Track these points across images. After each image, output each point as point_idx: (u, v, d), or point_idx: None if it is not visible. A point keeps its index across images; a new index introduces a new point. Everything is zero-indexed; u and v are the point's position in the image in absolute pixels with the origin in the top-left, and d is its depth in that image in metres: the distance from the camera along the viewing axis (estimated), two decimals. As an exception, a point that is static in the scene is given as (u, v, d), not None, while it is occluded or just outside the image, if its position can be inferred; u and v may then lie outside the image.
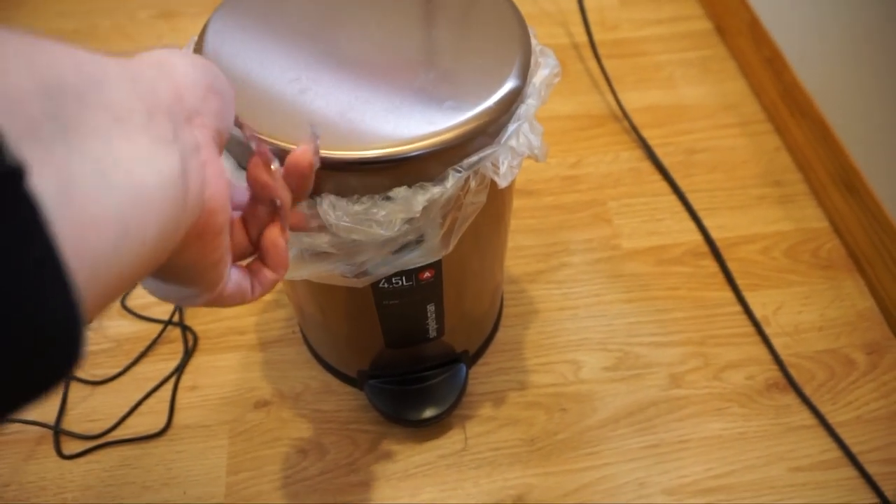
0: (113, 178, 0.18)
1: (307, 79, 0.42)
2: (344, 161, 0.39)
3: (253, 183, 0.31)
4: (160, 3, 1.15)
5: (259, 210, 0.32)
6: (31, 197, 0.15)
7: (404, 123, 0.40)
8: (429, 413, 0.63)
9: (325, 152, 0.37)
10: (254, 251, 0.33)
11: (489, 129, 0.42)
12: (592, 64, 1.03)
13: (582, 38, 1.06)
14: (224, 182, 0.25)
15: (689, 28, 1.10)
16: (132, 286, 0.22)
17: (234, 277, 0.31)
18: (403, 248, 0.45)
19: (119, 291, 0.20)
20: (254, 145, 0.31)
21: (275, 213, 0.32)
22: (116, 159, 0.19)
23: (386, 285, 0.51)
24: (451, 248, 0.46)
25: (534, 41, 0.48)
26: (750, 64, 1.00)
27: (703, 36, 1.09)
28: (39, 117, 0.17)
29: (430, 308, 0.56)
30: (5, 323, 0.15)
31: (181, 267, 0.26)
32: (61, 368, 0.17)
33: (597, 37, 1.04)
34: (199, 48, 0.45)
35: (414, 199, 0.40)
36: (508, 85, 0.43)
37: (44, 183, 0.16)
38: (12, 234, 0.15)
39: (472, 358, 0.70)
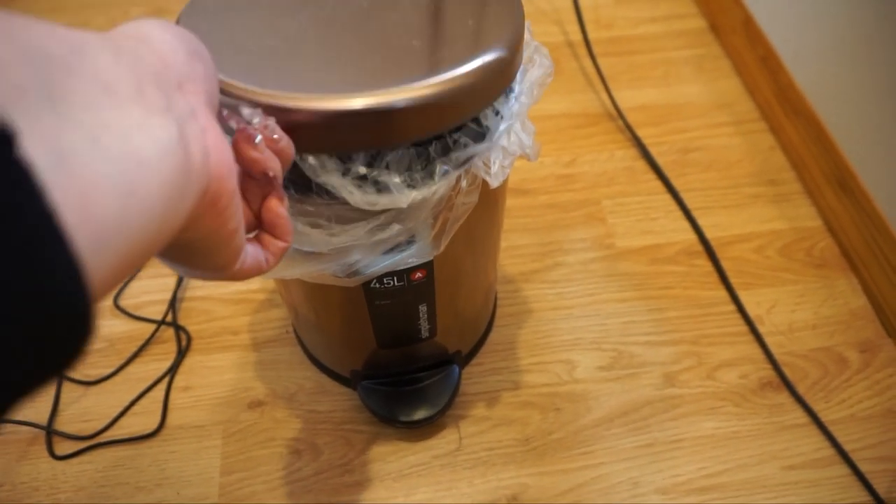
0: (108, 146, 0.18)
1: (282, 42, 0.42)
2: (325, 113, 0.37)
3: (241, 160, 0.31)
4: (152, 0, 1.15)
5: (253, 183, 0.32)
6: (23, 161, 0.14)
7: (387, 74, 0.39)
8: (421, 414, 0.63)
9: (313, 105, 0.37)
10: (258, 224, 0.33)
11: (477, 88, 0.39)
12: (587, 62, 1.03)
13: (577, 36, 1.06)
14: (227, 147, 0.25)
15: (683, 26, 1.10)
16: (145, 259, 0.21)
17: (250, 250, 0.31)
18: (395, 248, 0.45)
19: (131, 265, 0.19)
20: (233, 123, 0.31)
21: (269, 183, 0.32)
22: (110, 128, 0.18)
23: (377, 285, 0.51)
24: (442, 248, 0.45)
25: (528, 36, 0.47)
26: (744, 62, 1.00)
27: (698, 34, 1.09)
28: (26, 85, 0.16)
29: (423, 308, 0.56)
30: (3, 297, 0.14)
31: (201, 240, 0.26)
32: (69, 344, 0.16)
33: (592, 35, 1.04)
34: (178, 19, 0.44)
35: (406, 195, 0.39)
36: (495, 54, 0.40)
37: (36, 149, 0.15)
38: (4, 199, 0.14)
39: (466, 358, 0.70)
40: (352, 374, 0.66)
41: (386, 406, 0.64)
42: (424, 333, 0.60)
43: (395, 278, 0.51)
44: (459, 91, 0.39)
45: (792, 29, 0.89)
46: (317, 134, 0.38)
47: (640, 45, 1.07)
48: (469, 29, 0.43)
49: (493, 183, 0.42)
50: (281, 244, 0.33)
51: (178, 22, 0.44)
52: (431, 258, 0.47)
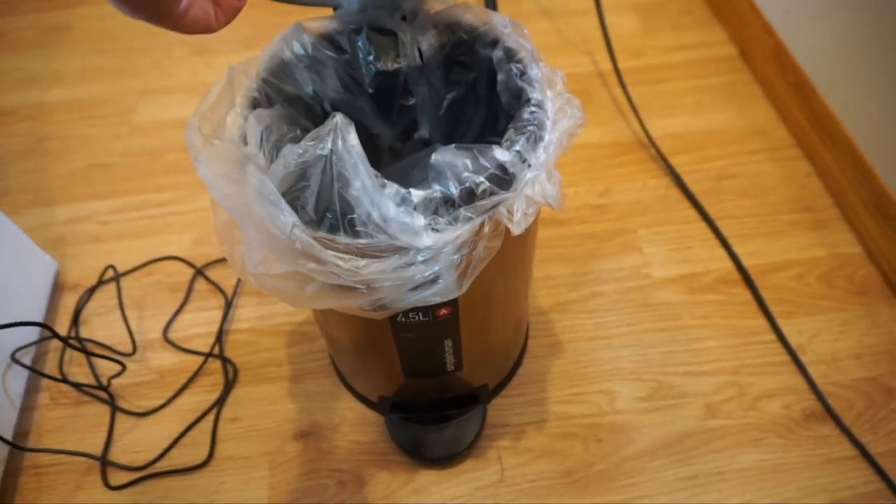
0: None
1: None
2: None
3: None
4: (194, 41, 1.19)
5: None
6: None
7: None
8: (445, 452, 0.65)
9: None
10: None
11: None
12: (618, 91, 1.04)
13: (606, 65, 1.07)
14: None
15: (713, 54, 1.11)
16: None
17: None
18: (420, 286, 0.46)
19: None
20: None
21: None
22: None
23: (403, 319, 0.52)
24: (464, 288, 0.46)
25: (561, 87, 0.49)
26: (776, 89, 1.01)
27: (728, 62, 1.09)
28: None
29: (448, 343, 0.57)
30: None
31: None
32: None
33: (621, 64, 1.05)
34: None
35: (424, 234, 0.41)
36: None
37: None
38: None
39: (494, 390, 0.71)
40: (379, 399, 0.67)
41: (411, 442, 0.66)
42: (450, 367, 0.61)
43: (421, 314, 0.52)
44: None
45: (825, 56, 0.89)
46: None
47: (671, 73, 1.08)
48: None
49: (515, 231, 0.43)
50: (235, 2, 0.32)
51: None
52: (455, 297, 0.48)
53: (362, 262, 0.41)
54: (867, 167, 0.81)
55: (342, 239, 0.41)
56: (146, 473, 0.68)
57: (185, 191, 0.95)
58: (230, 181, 0.42)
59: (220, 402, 0.73)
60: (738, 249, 0.83)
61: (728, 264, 0.83)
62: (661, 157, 0.95)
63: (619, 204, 0.90)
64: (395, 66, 0.58)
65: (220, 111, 0.48)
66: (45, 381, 0.76)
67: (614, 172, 0.94)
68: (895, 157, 0.78)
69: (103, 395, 0.73)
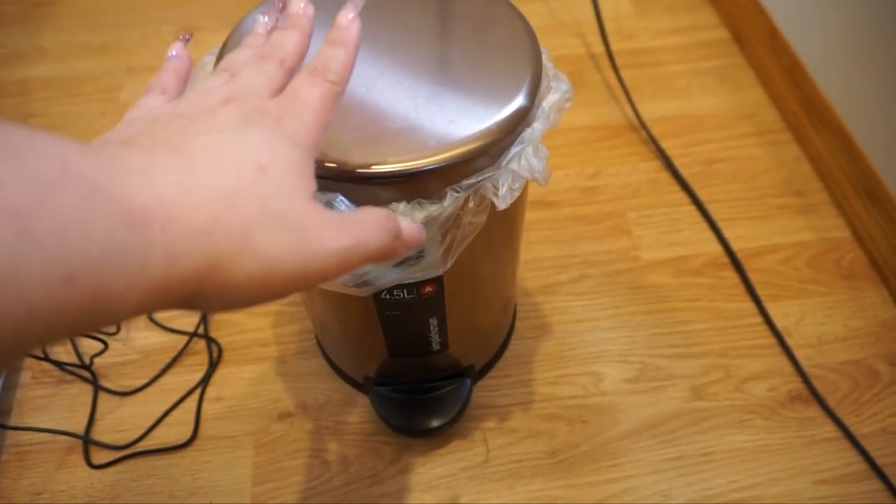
0: None
1: None
2: (343, 173, 0.39)
3: None
4: (182, 18, 1.18)
5: None
6: None
7: (406, 140, 0.41)
8: (431, 424, 0.64)
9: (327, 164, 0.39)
10: None
11: (490, 150, 0.42)
12: (610, 74, 1.03)
13: (599, 48, 1.07)
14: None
15: (706, 37, 1.10)
16: None
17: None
18: (404, 261, 0.46)
19: None
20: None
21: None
22: None
23: (388, 296, 0.52)
24: (449, 265, 0.46)
25: (548, 63, 0.48)
26: (768, 73, 1.00)
27: (721, 45, 1.09)
28: None
29: (433, 322, 0.57)
30: None
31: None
32: None
33: (614, 47, 1.04)
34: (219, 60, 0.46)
35: (411, 215, 0.41)
36: (513, 108, 0.43)
37: None
38: None
39: (481, 371, 0.71)
40: (364, 380, 0.67)
41: (396, 414, 0.65)
42: (435, 346, 0.60)
43: (406, 291, 0.51)
44: (477, 151, 0.41)
45: (817, 39, 0.89)
46: (344, 190, 0.40)
47: (663, 56, 1.07)
48: (487, 79, 0.44)
49: (501, 205, 0.42)
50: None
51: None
52: (440, 273, 0.48)
53: None
54: (857, 151, 0.81)
55: None
56: (129, 452, 0.68)
57: (171, 170, 0.94)
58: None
59: (204, 382, 0.72)
60: (727, 233, 0.83)
61: (717, 247, 0.82)
62: (652, 141, 0.94)
63: (609, 187, 0.89)
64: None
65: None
66: (27, 360, 0.75)
67: (605, 155, 0.93)
68: (885, 142, 0.78)
69: (86, 374, 0.73)
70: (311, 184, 0.26)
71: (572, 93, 0.47)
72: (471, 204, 0.43)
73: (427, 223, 0.41)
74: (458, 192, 0.42)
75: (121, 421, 0.70)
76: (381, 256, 0.28)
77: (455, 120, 0.42)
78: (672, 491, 0.64)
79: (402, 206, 0.41)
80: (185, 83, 0.33)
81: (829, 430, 0.67)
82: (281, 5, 0.36)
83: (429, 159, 0.40)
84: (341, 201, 0.39)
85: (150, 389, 0.72)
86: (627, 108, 0.99)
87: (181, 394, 0.71)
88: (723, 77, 1.03)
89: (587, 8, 1.07)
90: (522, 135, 0.44)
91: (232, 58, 0.32)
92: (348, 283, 0.45)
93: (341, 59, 0.31)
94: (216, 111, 0.27)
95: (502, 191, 0.43)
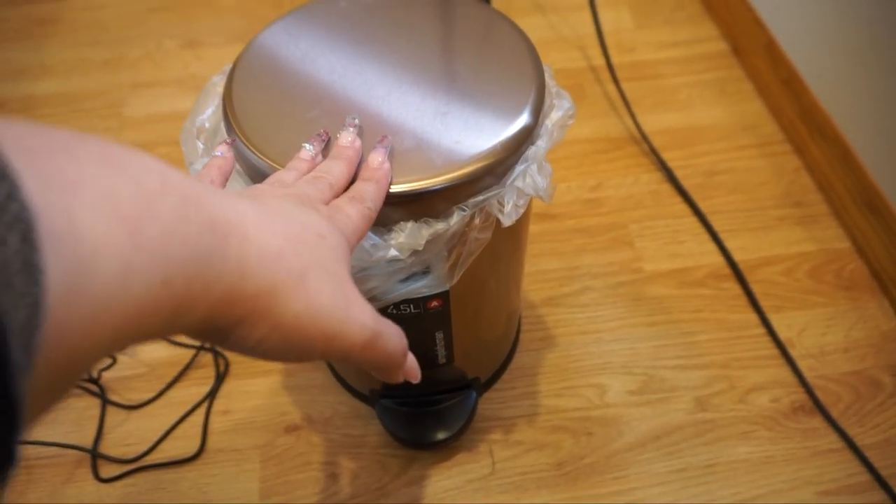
0: None
1: (323, 114, 0.44)
2: None
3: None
4: (185, 33, 1.19)
5: None
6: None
7: (413, 161, 0.41)
8: (436, 437, 0.65)
9: None
10: None
11: (496, 170, 0.43)
12: (610, 87, 1.04)
13: (599, 61, 1.08)
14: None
15: (705, 50, 1.11)
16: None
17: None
18: (410, 277, 0.47)
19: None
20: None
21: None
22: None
23: (395, 311, 0.52)
24: (455, 280, 0.47)
25: (550, 81, 0.49)
26: (767, 85, 1.01)
27: (720, 57, 1.10)
28: None
29: (439, 335, 0.58)
30: None
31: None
32: None
33: (614, 60, 1.05)
34: (228, 87, 0.47)
35: (418, 234, 0.41)
36: (518, 127, 0.44)
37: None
38: None
39: (486, 384, 0.71)
40: (370, 392, 0.67)
41: (402, 427, 0.66)
42: (441, 359, 0.61)
43: (412, 306, 0.52)
44: (483, 171, 0.42)
45: (815, 51, 0.90)
46: None
47: (663, 69, 1.08)
48: (492, 98, 0.45)
49: (506, 222, 0.43)
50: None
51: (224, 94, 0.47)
52: (446, 289, 0.48)
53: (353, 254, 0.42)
54: (856, 162, 0.82)
55: None
56: (137, 466, 0.68)
57: (176, 184, 0.94)
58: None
59: (211, 395, 0.73)
60: (728, 244, 0.84)
61: (719, 259, 0.83)
62: (654, 153, 0.95)
63: (611, 199, 0.90)
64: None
65: (217, 115, 0.48)
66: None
67: (606, 167, 0.94)
68: (884, 153, 0.79)
69: (94, 387, 0.73)
70: (350, 273, 0.30)
71: (575, 110, 0.48)
72: (476, 221, 0.44)
73: (433, 240, 0.42)
74: (464, 210, 0.42)
75: (128, 434, 0.70)
76: (391, 360, 0.31)
77: (461, 140, 0.43)
78: (676, 502, 0.64)
79: (409, 224, 0.41)
80: (227, 180, 0.37)
81: (833, 440, 0.68)
82: (325, 136, 0.41)
83: (436, 179, 0.41)
84: None
85: (157, 403, 0.73)
86: (628, 120, 1.00)
87: (188, 407, 0.72)
88: (722, 89, 1.04)
89: (587, 21, 1.09)
90: (527, 153, 0.44)
91: (280, 175, 0.36)
92: None
93: (374, 191, 0.36)
94: (279, 195, 0.31)
95: (508, 208, 0.43)
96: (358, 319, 0.28)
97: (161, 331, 0.20)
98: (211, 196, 0.22)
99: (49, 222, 0.15)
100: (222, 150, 0.39)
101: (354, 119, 0.41)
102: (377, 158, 0.39)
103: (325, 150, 0.41)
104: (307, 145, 0.39)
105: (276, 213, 0.27)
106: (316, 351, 0.27)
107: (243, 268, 0.22)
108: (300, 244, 0.26)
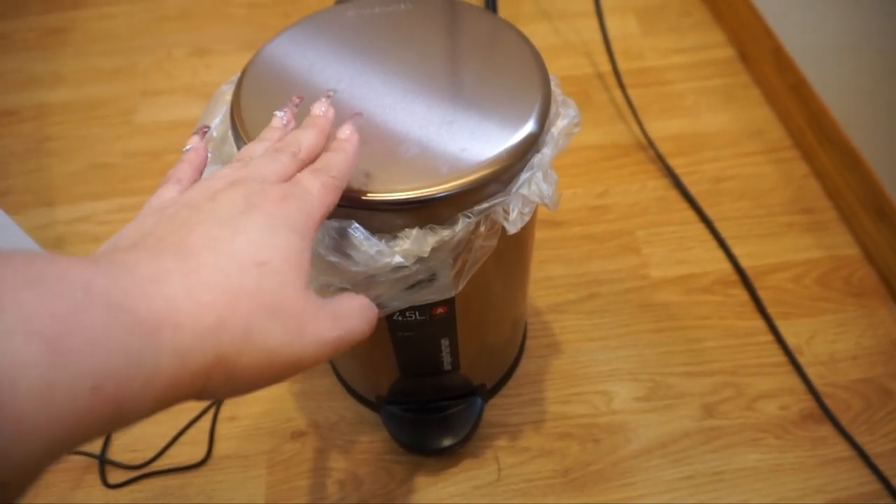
0: None
1: None
2: (357, 200, 0.40)
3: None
4: (195, 41, 1.20)
5: None
6: None
7: (418, 169, 0.42)
8: (442, 443, 0.65)
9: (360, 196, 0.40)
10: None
11: (501, 177, 0.43)
12: (617, 93, 1.04)
13: (606, 67, 1.08)
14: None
15: (712, 56, 1.11)
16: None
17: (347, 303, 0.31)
18: (416, 284, 0.47)
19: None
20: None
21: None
22: None
23: (400, 318, 0.52)
24: (460, 287, 0.47)
25: (556, 89, 0.49)
26: (775, 91, 1.01)
27: (727, 64, 1.10)
28: None
29: (445, 342, 0.58)
30: None
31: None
32: None
33: (621, 66, 1.05)
34: (236, 95, 0.47)
35: (424, 241, 0.41)
36: (523, 134, 0.43)
37: None
38: None
39: (492, 390, 0.71)
40: (376, 399, 0.68)
41: (408, 433, 0.66)
42: (447, 366, 0.61)
43: (418, 312, 0.52)
44: (488, 178, 0.42)
45: (823, 57, 0.90)
46: (358, 217, 0.41)
47: (670, 75, 1.08)
48: (498, 106, 0.45)
49: (511, 230, 0.43)
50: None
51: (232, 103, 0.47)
52: (452, 296, 0.48)
53: (360, 261, 0.42)
54: (865, 168, 0.82)
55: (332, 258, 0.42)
56: (144, 472, 0.68)
57: (185, 191, 0.95)
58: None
59: (217, 402, 0.73)
60: (736, 251, 0.83)
61: (726, 265, 0.83)
62: (660, 159, 0.95)
63: (618, 205, 0.90)
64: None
65: (225, 123, 0.48)
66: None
67: (613, 174, 0.94)
68: (893, 159, 0.78)
69: (102, 393, 0.73)
70: (306, 274, 0.28)
71: (580, 118, 0.48)
72: (482, 228, 0.44)
73: (439, 248, 0.42)
74: (469, 217, 0.43)
75: (136, 440, 0.71)
76: (359, 341, 0.31)
77: (467, 147, 0.43)
78: (684, 511, 0.64)
79: (414, 231, 0.42)
80: (200, 173, 0.36)
81: (842, 449, 0.67)
82: (297, 101, 0.39)
83: (441, 186, 0.41)
84: (356, 228, 0.40)
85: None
86: (635, 126, 0.99)
87: (195, 413, 0.72)
88: (729, 95, 1.04)
89: (594, 28, 1.09)
90: (532, 161, 0.45)
91: (248, 149, 0.34)
92: None
93: (341, 161, 0.34)
94: (218, 197, 0.28)
95: (513, 215, 0.43)
96: (316, 339, 0.27)
97: (111, 425, 0.21)
98: (137, 291, 0.22)
99: None
100: (193, 142, 0.37)
101: (330, 91, 0.40)
102: (346, 131, 0.37)
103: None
104: (278, 112, 0.38)
105: (204, 264, 0.25)
106: (287, 377, 0.27)
107: (182, 356, 0.22)
108: (238, 297, 0.25)
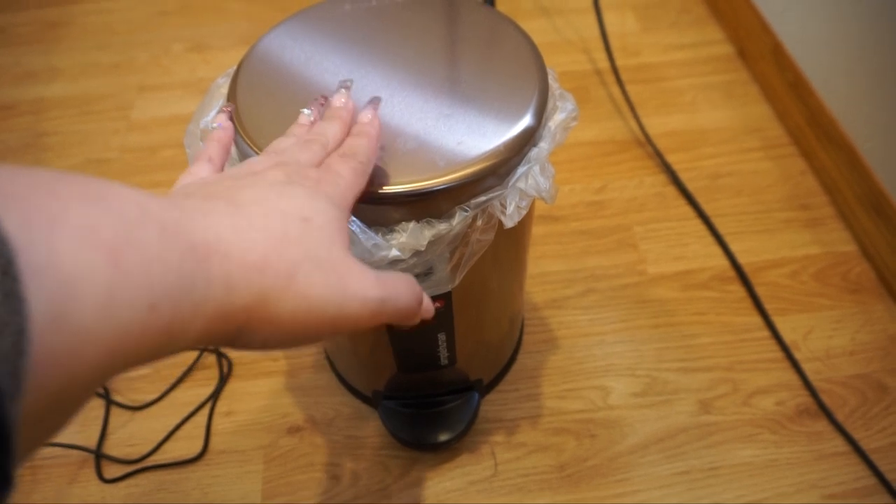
0: None
1: None
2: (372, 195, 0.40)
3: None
4: (193, 36, 1.20)
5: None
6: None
7: (415, 162, 0.41)
8: (439, 438, 0.65)
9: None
10: None
11: (498, 170, 0.43)
12: (615, 90, 1.04)
13: (604, 64, 1.08)
14: None
15: (710, 53, 1.11)
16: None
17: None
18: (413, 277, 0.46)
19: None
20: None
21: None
22: None
23: None
24: (457, 281, 0.47)
25: (553, 83, 0.49)
26: (773, 88, 1.01)
27: (726, 60, 1.10)
28: None
29: (441, 337, 0.58)
30: None
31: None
32: None
33: (619, 62, 1.05)
34: (232, 89, 0.47)
35: (421, 234, 0.41)
36: (520, 128, 0.43)
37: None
38: None
39: (487, 386, 0.71)
40: (373, 394, 0.68)
41: (405, 428, 0.66)
42: (444, 361, 0.61)
43: None
44: (485, 172, 0.42)
45: (822, 54, 0.90)
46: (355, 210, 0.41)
47: (668, 71, 1.08)
48: (495, 100, 0.45)
49: (508, 223, 0.43)
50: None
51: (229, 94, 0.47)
52: (449, 290, 0.48)
53: (355, 252, 0.42)
54: (863, 165, 0.82)
55: None
56: (140, 466, 0.68)
57: (182, 186, 0.95)
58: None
59: (214, 396, 0.73)
60: (733, 247, 0.83)
61: (723, 261, 0.83)
62: (658, 155, 0.95)
63: (616, 201, 0.90)
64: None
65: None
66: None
67: (611, 170, 0.94)
68: (891, 156, 0.78)
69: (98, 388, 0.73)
70: (347, 239, 0.29)
71: (578, 112, 0.48)
72: (479, 222, 0.44)
73: (435, 241, 0.42)
74: (466, 210, 0.42)
75: (132, 435, 0.71)
76: (405, 316, 0.31)
77: (464, 141, 0.43)
78: (680, 506, 0.64)
79: (411, 225, 0.41)
80: (228, 152, 0.37)
81: (838, 444, 0.67)
82: (322, 100, 0.40)
83: (438, 180, 0.41)
84: (352, 221, 0.39)
85: (161, 404, 0.73)
86: (633, 122, 0.99)
87: (192, 408, 0.72)
88: (728, 92, 1.04)
89: (592, 24, 1.09)
90: (529, 154, 0.45)
91: (277, 143, 0.35)
92: None
93: (365, 145, 0.36)
94: (263, 174, 0.30)
95: (510, 209, 0.43)
96: (358, 296, 0.27)
97: (160, 352, 0.21)
98: (189, 221, 0.23)
99: (29, 256, 0.16)
100: (221, 121, 0.38)
101: (347, 81, 0.41)
102: (367, 115, 0.39)
103: None
104: (305, 110, 0.39)
105: (253, 212, 0.26)
106: (324, 335, 0.27)
107: (229, 285, 0.23)
108: (283, 243, 0.25)
